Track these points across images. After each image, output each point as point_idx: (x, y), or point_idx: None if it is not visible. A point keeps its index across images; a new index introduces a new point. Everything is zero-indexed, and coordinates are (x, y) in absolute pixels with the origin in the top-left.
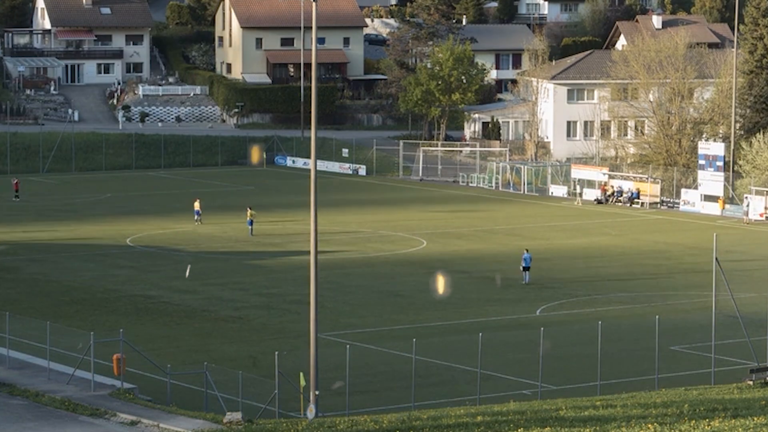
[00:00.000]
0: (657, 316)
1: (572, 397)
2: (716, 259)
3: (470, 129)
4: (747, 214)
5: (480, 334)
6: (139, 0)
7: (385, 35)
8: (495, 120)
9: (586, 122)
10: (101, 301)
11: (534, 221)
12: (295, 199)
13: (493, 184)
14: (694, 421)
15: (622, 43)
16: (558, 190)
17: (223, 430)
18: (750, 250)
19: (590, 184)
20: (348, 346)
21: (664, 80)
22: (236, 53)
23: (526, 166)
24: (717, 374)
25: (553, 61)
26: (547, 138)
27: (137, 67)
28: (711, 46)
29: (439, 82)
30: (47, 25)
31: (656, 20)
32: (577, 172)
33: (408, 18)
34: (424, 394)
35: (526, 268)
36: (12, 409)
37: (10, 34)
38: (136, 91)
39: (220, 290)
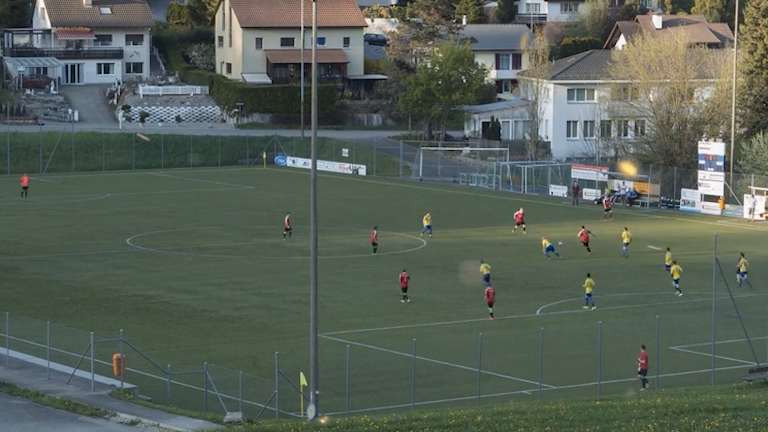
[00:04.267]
0: (657, 316)
1: (572, 397)
2: (716, 259)
3: (470, 129)
4: (752, 212)
5: (480, 334)
6: (140, 0)
7: (386, 35)
8: (495, 120)
9: (586, 122)
10: (101, 301)
11: (534, 221)
12: (294, 198)
13: (493, 184)
14: (694, 421)
15: (622, 43)
16: (558, 190)
17: (223, 430)
18: (750, 250)
19: (590, 184)
20: (348, 346)
21: (664, 80)
22: (236, 53)
23: (526, 166)
24: (717, 374)
25: (553, 61)
26: (547, 138)
27: (137, 67)
28: (711, 46)
29: (439, 82)
30: (47, 25)
31: (656, 20)
32: (577, 172)
33: (408, 18)
34: (424, 394)
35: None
36: (12, 409)
37: (10, 34)
38: (136, 91)
39: (220, 290)
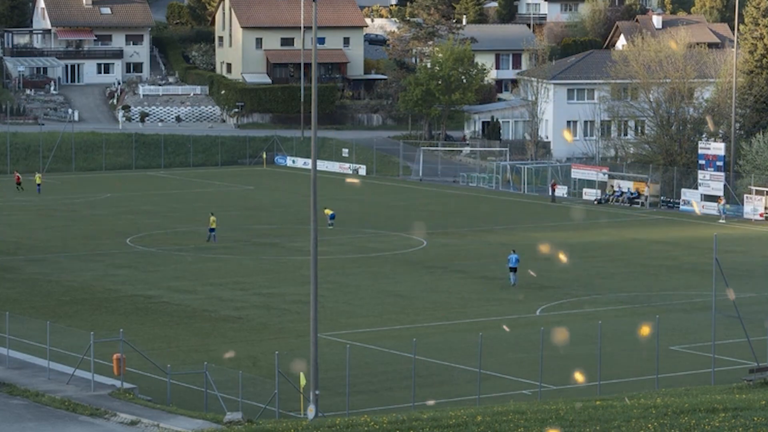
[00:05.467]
0: (657, 316)
1: (572, 397)
2: (716, 259)
3: (470, 129)
4: (722, 213)
5: (480, 334)
6: (140, 0)
7: (386, 35)
8: (495, 120)
9: (586, 122)
10: (101, 301)
11: (534, 221)
12: (294, 198)
13: (493, 184)
14: (694, 421)
15: (622, 43)
16: (558, 190)
17: (223, 430)
18: (749, 250)
19: (590, 184)
20: (348, 346)
21: (664, 80)
22: (236, 53)
23: (526, 166)
24: (717, 374)
25: (553, 61)
26: (547, 138)
27: (137, 67)
28: (711, 46)
29: (439, 82)
30: (47, 25)
31: (656, 20)
32: (577, 172)
33: (408, 18)
34: (424, 394)
35: (513, 269)
36: (12, 409)
37: (10, 34)
38: (136, 91)
39: (220, 290)
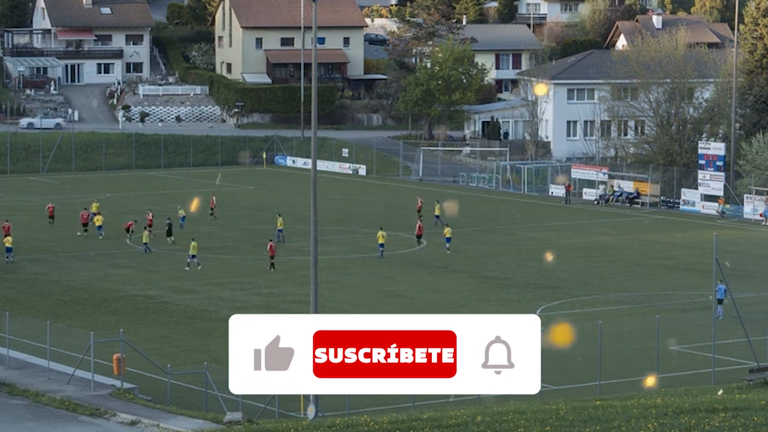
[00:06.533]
0: (657, 316)
1: (572, 397)
2: (716, 259)
3: (470, 129)
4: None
5: None
6: (140, 0)
7: (386, 35)
8: (495, 120)
9: (586, 122)
10: (101, 301)
11: (534, 220)
12: (294, 198)
13: (493, 184)
14: (694, 421)
15: (622, 43)
16: (558, 190)
17: (223, 430)
18: (750, 250)
19: (590, 184)
20: None
21: (664, 80)
22: (236, 53)
23: (526, 166)
24: (717, 374)
25: (553, 61)
26: (547, 138)
27: (137, 67)
28: (711, 46)
29: (439, 82)
30: (47, 25)
31: (656, 20)
32: (577, 172)
33: (408, 18)
34: (424, 394)
35: (720, 301)
36: (12, 409)
37: (10, 34)
38: (136, 91)
39: (220, 290)
